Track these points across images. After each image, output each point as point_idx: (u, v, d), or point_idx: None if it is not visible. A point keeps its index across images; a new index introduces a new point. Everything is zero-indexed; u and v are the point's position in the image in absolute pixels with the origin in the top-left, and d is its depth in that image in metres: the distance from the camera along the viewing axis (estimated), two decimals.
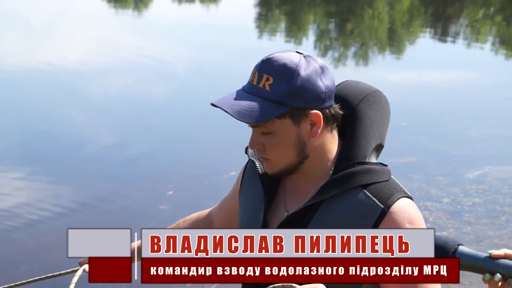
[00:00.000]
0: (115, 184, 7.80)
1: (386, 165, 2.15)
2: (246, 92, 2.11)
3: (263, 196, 2.22)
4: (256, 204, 2.25)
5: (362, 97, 2.16)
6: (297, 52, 2.11)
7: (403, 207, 2.04)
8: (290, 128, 2.08)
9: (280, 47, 16.53)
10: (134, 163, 8.45)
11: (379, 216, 2.03)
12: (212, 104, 2.13)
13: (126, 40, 17.26)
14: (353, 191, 2.07)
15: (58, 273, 2.63)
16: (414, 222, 2.04)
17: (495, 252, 1.82)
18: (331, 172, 2.14)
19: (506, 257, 1.82)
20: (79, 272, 2.44)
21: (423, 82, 13.26)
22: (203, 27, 19.53)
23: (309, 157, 2.12)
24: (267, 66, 2.08)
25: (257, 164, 2.27)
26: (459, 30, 21.58)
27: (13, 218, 6.84)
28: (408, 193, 2.11)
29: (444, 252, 1.84)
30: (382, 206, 2.03)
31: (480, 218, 7.06)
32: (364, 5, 24.14)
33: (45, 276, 2.67)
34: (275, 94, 2.04)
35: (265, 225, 2.19)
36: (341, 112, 2.14)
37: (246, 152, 2.36)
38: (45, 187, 7.66)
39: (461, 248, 1.84)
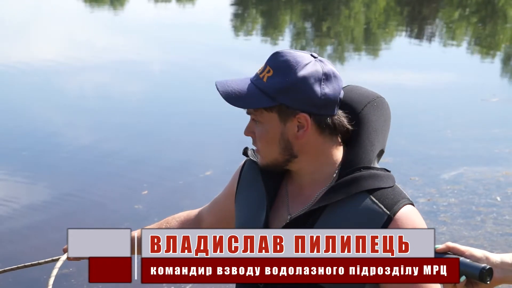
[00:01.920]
0: (89, 182, 7.74)
1: (389, 171, 2.17)
2: (251, 80, 2.13)
3: (265, 197, 2.21)
4: (257, 205, 2.23)
5: (366, 103, 2.18)
6: (311, 55, 2.11)
7: (408, 215, 2.05)
8: (276, 123, 2.09)
9: (256, 47, 16.53)
10: (108, 161, 8.39)
11: (385, 222, 2.03)
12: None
13: (101, 39, 17.17)
14: (358, 196, 2.07)
15: (43, 260, 2.63)
16: (417, 227, 2.05)
17: (440, 246, 1.84)
18: (334, 176, 2.13)
19: (449, 250, 1.84)
20: (64, 257, 2.45)
21: (398, 83, 13.29)
22: (179, 26, 19.47)
23: (299, 157, 2.12)
24: (273, 59, 2.11)
25: (258, 159, 2.24)
26: (435, 31, 21.67)
27: None
28: (411, 200, 2.11)
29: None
30: (388, 213, 2.04)
31: (455, 218, 7.07)
32: (340, 5, 24.18)
33: (30, 263, 2.67)
34: (268, 86, 2.07)
35: (267, 227, 2.18)
36: (347, 126, 2.13)
37: (244, 154, 2.35)
38: (19, 186, 7.58)
39: None
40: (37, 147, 8.81)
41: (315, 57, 2.10)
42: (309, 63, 2.07)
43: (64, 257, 2.47)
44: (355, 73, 13.89)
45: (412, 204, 2.10)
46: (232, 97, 2.09)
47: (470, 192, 7.78)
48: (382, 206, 2.05)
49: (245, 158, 2.39)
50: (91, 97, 11.51)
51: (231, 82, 2.14)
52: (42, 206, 7.08)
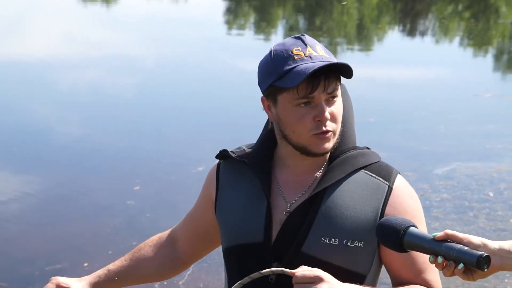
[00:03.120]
0: (81, 178, 7.71)
1: (369, 148, 2.27)
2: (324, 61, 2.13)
3: (259, 190, 2.21)
4: (249, 203, 2.22)
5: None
6: None
7: (403, 183, 2.22)
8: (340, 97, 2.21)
9: (249, 42, 16.51)
10: (100, 157, 8.36)
11: (387, 192, 2.17)
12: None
13: (94, 34, 17.12)
14: (355, 173, 2.18)
15: None
16: (413, 197, 2.23)
17: (438, 234, 1.84)
18: (325, 163, 2.22)
19: (448, 237, 1.84)
20: None
21: (391, 78, 13.28)
22: (172, 21, 19.44)
23: None
24: (309, 41, 2.16)
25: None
26: (428, 27, 21.67)
27: None
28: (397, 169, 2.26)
29: (396, 232, 1.88)
30: (388, 183, 2.18)
31: (448, 214, 7.06)
32: (333, 0, 24.16)
33: None
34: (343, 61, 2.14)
35: (269, 216, 2.18)
36: None
37: (217, 157, 2.33)
38: (10, 181, 7.54)
39: (411, 229, 1.88)
40: (28, 142, 8.77)
41: None
42: None
43: None
44: None
45: (399, 173, 2.24)
46: (344, 67, 2.14)
47: (463, 188, 7.78)
48: (381, 179, 2.18)
49: (215, 163, 2.37)
50: (83, 92, 11.48)
51: (320, 61, 2.12)
52: (34, 202, 7.04)
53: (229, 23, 20.20)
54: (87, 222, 6.56)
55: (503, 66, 16.41)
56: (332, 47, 16.94)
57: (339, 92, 2.15)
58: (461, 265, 1.80)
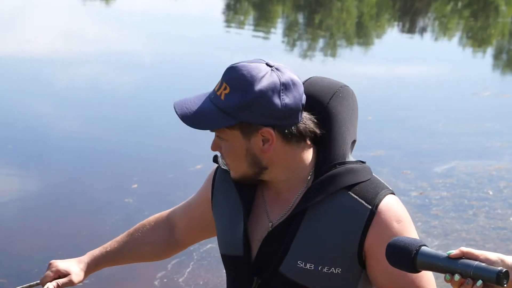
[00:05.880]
0: (78, 176, 7.69)
1: (364, 162, 2.13)
2: (209, 97, 2.07)
3: (241, 207, 2.16)
4: (234, 215, 2.19)
5: (331, 95, 2.11)
6: (267, 64, 2.04)
7: (389, 206, 2.03)
8: (240, 140, 2.04)
9: (248, 40, 16.48)
10: (98, 154, 8.34)
11: (368, 217, 2.01)
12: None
13: (92, 30, 17.09)
14: (337, 194, 2.05)
15: (20, 287, 2.52)
16: (401, 220, 2.04)
17: (453, 252, 1.80)
18: (309, 178, 2.10)
19: (463, 255, 1.80)
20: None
21: (390, 76, 13.27)
22: (171, 18, 19.41)
23: (269, 168, 2.08)
24: (228, 75, 2.04)
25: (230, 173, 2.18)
26: (427, 25, 21.66)
27: None
28: (390, 188, 2.09)
29: (407, 253, 1.82)
30: (370, 207, 2.02)
31: (447, 212, 7.05)
32: None
33: None
34: (227, 105, 2.00)
35: (246, 238, 2.14)
36: (315, 130, 2.07)
37: (214, 161, 2.30)
38: (7, 178, 7.52)
39: (423, 248, 1.82)
40: (26, 139, 8.74)
41: (271, 66, 2.03)
42: (265, 75, 1.99)
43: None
44: (347, 66, 13.87)
45: (393, 193, 2.08)
46: (191, 119, 2.05)
47: (462, 186, 7.77)
48: (363, 201, 2.02)
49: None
50: (81, 89, 11.44)
51: (189, 102, 2.08)
52: (32, 199, 7.03)
53: (228, 20, 20.17)
54: (85, 219, 6.54)
55: (502, 64, 16.41)
56: (331, 44, 16.92)
57: (227, 135, 2.05)
58: (479, 282, 1.77)
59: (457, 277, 1.77)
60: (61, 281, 2.39)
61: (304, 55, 15.18)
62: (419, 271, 1.83)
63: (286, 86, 2.00)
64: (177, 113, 2.07)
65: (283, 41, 16.93)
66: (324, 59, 14.89)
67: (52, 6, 20.74)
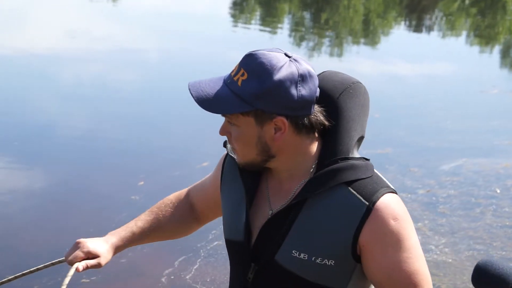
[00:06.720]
0: (85, 173, 7.69)
1: (368, 159, 2.14)
2: (224, 82, 2.08)
3: (244, 194, 2.20)
4: (238, 202, 2.23)
5: (342, 90, 2.12)
6: (285, 54, 2.05)
7: (387, 204, 2.03)
8: (253, 127, 2.06)
9: (255, 37, 16.47)
10: (104, 151, 8.33)
11: (364, 213, 2.01)
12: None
13: (99, 28, 17.10)
14: (337, 189, 2.06)
15: (43, 265, 2.52)
16: (398, 218, 2.03)
17: None
18: (312, 170, 2.11)
19: None
20: (71, 272, 2.33)
21: (397, 74, 13.25)
22: (178, 16, 19.41)
23: (276, 157, 2.11)
24: (247, 61, 2.04)
25: (236, 158, 2.21)
26: (434, 22, 21.61)
27: None
28: (392, 187, 2.10)
29: (504, 283, 1.78)
30: (367, 203, 2.02)
31: (455, 210, 7.03)
32: None
33: (28, 270, 2.57)
34: (244, 91, 2.01)
35: (248, 224, 2.18)
36: (324, 122, 2.09)
37: (224, 146, 2.33)
38: (14, 176, 7.53)
39: None
40: (32, 137, 8.74)
41: (289, 57, 2.04)
42: (284, 65, 2.01)
43: (72, 271, 2.36)
44: (354, 63, 13.84)
45: (394, 192, 2.08)
46: (206, 102, 2.05)
47: (470, 184, 7.75)
48: (361, 197, 2.03)
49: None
50: (87, 86, 11.45)
51: (205, 84, 2.10)
52: (38, 197, 7.02)
53: (235, 18, 20.16)
54: (91, 216, 6.54)
55: (509, 62, 16.37)
56: (338, 42, 16.90)
57: (240, 121, 2.06)
58: None
59: None
60: (90, 262, 2.38)
61: (310, 53, 15.16)
62: None
63: (303, 78, 2.02)
64: (192, 95, 2.07)
65: (289, 39, 16.92)
66: (331, 57, 14.88)
67: (59, 4, 20.76)
